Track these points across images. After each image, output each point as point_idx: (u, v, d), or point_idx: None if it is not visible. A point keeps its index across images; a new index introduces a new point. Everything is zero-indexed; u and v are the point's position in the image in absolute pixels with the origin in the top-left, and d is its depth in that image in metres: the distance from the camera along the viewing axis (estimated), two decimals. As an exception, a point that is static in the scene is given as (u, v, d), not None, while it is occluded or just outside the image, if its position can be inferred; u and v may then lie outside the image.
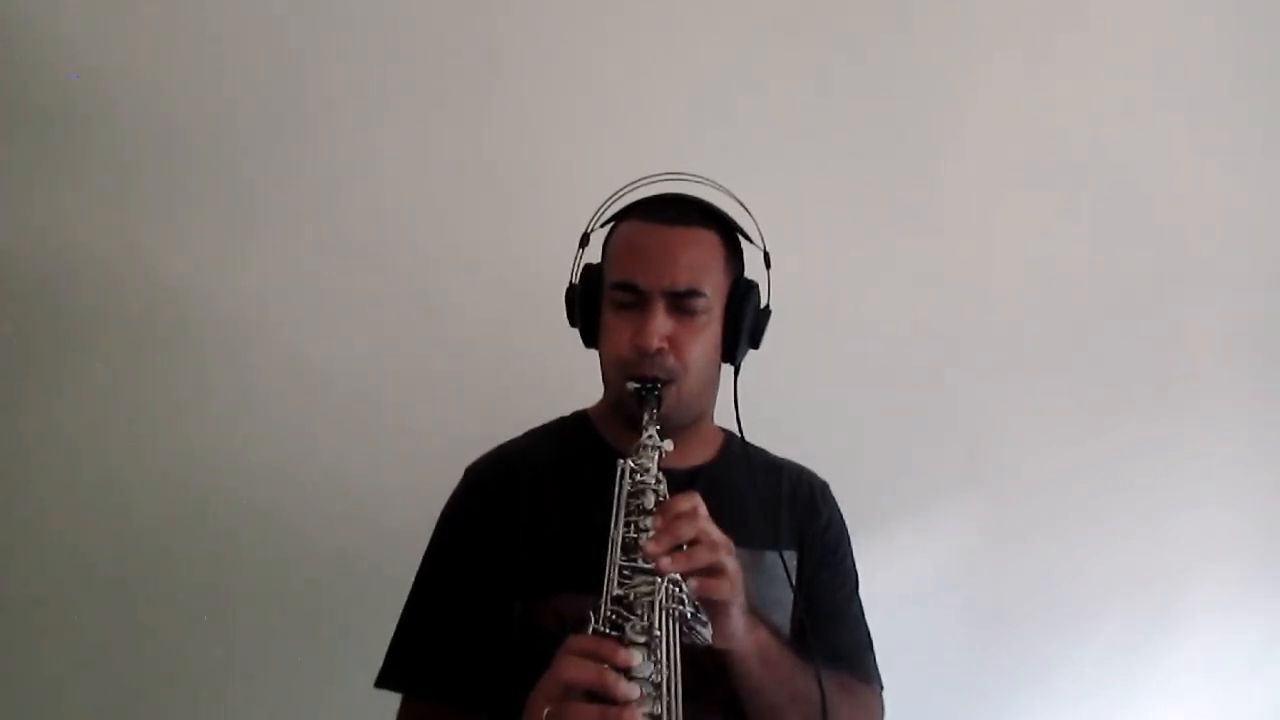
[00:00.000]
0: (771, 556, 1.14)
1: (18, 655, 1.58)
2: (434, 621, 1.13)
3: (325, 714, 1.64)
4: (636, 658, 0.83)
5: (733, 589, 0.93)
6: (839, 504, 1.28)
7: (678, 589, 0.89)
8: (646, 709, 0.82)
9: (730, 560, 0.93)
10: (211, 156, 1.64)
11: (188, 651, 1.62)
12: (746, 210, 1.19)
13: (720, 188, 1.18)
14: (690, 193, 1.16)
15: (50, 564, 1.59)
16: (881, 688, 1.21)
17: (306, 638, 1.64)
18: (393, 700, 1.12)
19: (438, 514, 1.20)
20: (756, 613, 1.03)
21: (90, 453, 1.60)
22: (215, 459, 1.63)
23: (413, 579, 1.17)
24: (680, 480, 1.12)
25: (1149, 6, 1.87)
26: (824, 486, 1.28)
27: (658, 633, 0.86)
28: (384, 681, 1.11)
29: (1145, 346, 1.85)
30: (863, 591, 1.26)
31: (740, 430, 1.19)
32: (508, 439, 1.25)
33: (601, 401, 1.23)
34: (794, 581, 1.14)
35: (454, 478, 1.21)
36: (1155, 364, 1.85)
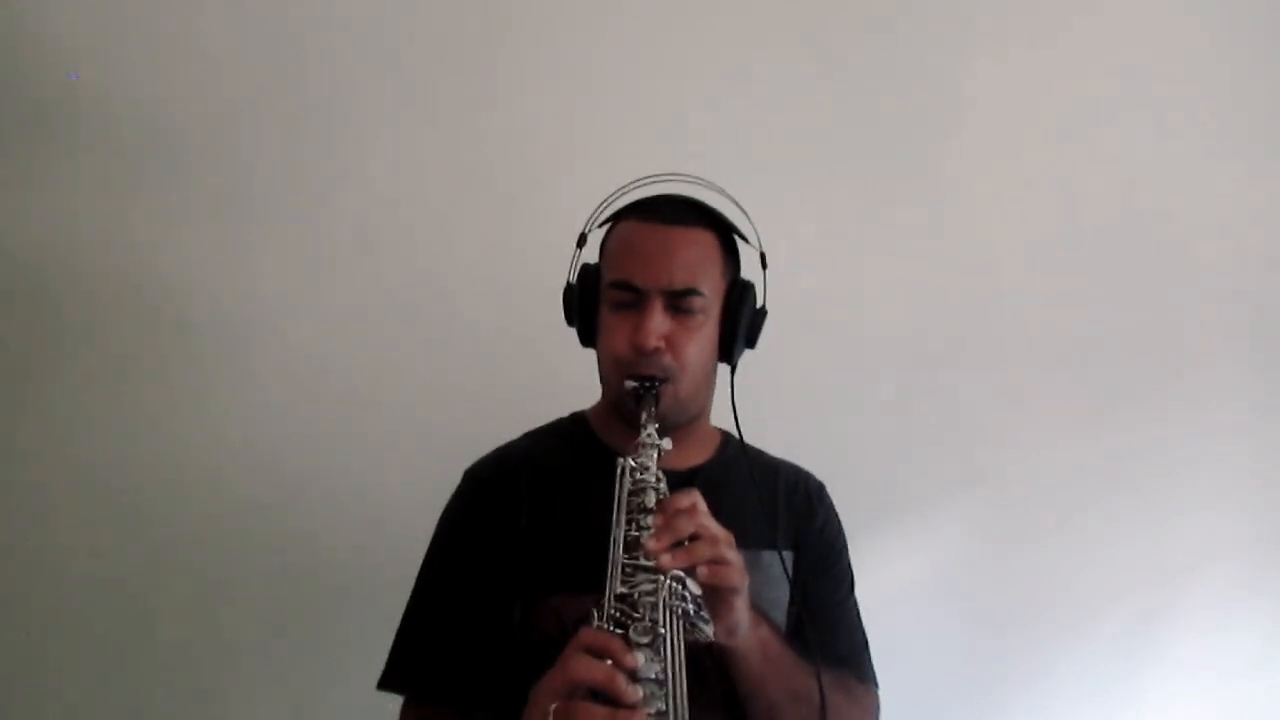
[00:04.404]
0: (769, 556, 1.14)
1: (20, 654, 1.59)
2: (435, 624, 1.13)
3: (326, 715, 1.64)
4: (642, 658, 0.84)
5: (740, 576, 0.94)
6: (837, 504, 1.27)
7: (680, 586, 0.90)
8: (652, 709, 0.83)
9: (732, 553, 0.93)
10: (211, 156, 1.65)
11: (188, 654, 1.62)
12: (743, 211, 1.19)
13: (717, 188, 1.18)
14: (687, 193, 1.16)
15: (51, 563, 1.60)
16: (877, 687, 1.21)
17: (308, 639, 1.65)
18: (394, 702, 1.12)
19: (438, 515, 1.20)
20: (758, 611, 1.03)
21: (90, 452, 1.61)
22: (215, 459, 1.63)
23: (413, 581, 1.17)
24: (678, 480, 1.12)
25: (1149, 5, 1.86)
26: (820, 487, 1.28)
27: (662, 630, 0.87)
28: (386, 684, 1.12)
29: (1145, 347, 1.85)
30: (862, 592, 1.25)
31: (739, 430, 1.19)
32: (507, 440, 1.25)
33: (600, 402, 1.23)
34: (791, 581, 1.14)
35: (454, 478, 1.21)
36: (1155, 364, 1.85)
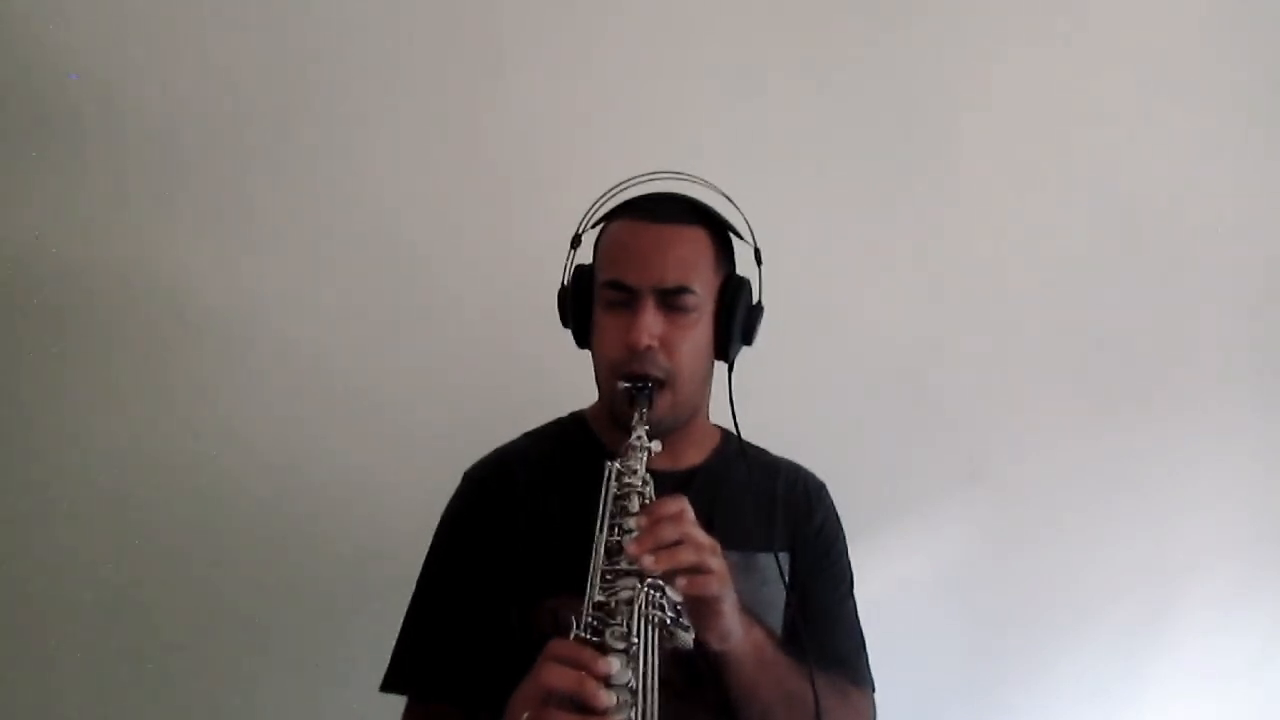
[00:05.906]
0: (765, 558, 1.14)
1: (21, 654, 1.59)
2: (437, 625, 1.14)
3: (328, 716, 1.64)
4: (614, 665, 0.83)
5: (720, 585, 0.93)
6: (837, 505, 1.27)
7: (658, 594, 0.89)
8: (623, 715, 0.82)
9: (715, 561, 0.93)
10: (211, 156, 1.64)
11: (188, 654, 1.63)
12: (735, 206, 1.18)
13: (708, 184, 1.17)
14: (680, 191, 1.15)
15: (52, 563, 1.60)
16: (873, 689, 1.20)
17: (309, 639, 1.65)
18: (397, 702, 1.12)
19: (439, 515, 1.20)
20: (751, 614, 1.03)
21: (91, 453, 1.61)
22: (215, 458, 1.63)
23: (414, 582, 1.17)
24: (677, 481, 1.12)
25: (1151, 6, 1.86)
26: (820, 487, 1.27)
27: (635, 639, 0.86)
28: (389, 685, 1.12)
29: (1145, 347, 1.84)
30: (862, 592, 1.25)
31: (737, 429, 1.19)
32: (506, 439, 1.26)
33: (598, 402, 1.22)
34: (787, 583, 1.14)
35: (454, 478, 1.22)
36: (1155, 364, 1.84)
